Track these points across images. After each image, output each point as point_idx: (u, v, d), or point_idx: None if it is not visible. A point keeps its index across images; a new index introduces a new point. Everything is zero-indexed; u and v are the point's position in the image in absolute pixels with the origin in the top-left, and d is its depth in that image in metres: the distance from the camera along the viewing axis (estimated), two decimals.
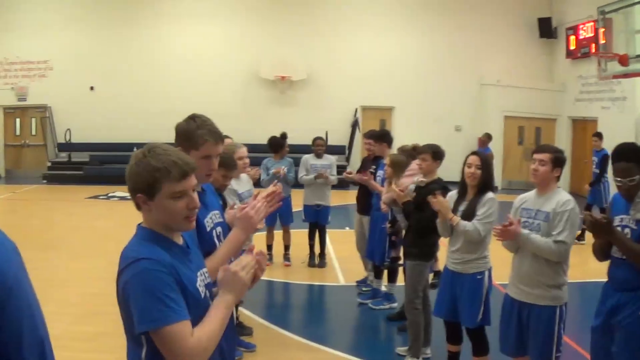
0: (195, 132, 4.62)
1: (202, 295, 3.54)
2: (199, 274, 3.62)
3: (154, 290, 3.23)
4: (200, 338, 3.31)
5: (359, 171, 12.50)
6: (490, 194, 7.47)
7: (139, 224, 3.61)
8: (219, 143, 4.78)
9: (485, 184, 7.48)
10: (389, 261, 10.72)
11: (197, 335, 3.31)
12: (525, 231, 6.36)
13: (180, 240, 3.64)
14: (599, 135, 17.41)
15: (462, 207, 7.50)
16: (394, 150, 11.21)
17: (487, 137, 22.14)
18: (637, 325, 5.59)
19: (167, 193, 3.43)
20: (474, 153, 7.65)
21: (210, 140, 4.67)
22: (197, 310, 3.44)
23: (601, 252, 6.21)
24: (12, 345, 2.32)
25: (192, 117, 4.74)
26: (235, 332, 3.80)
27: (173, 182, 3.42)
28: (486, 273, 7.48)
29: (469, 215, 7.39)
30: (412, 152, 10.12)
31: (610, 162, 6.60)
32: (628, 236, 5.82)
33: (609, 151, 7.17)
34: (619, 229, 5.88)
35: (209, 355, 3.39)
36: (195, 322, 3.38)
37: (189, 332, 3.28)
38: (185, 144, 4.55)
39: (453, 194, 7.76)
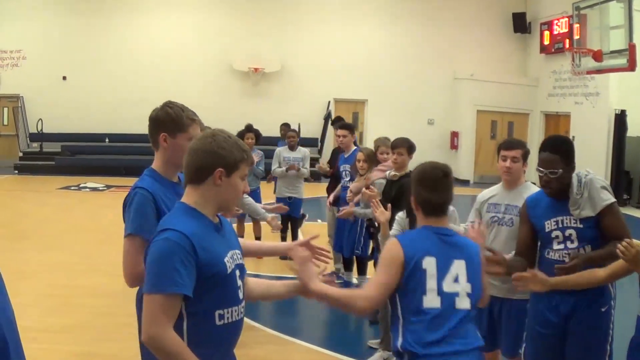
0: (181, 114, 4.69)
1: (229, 270, 3.73)
2: (231, 252, 3.83)
3: (165, 258, 3.50)
4: (173, 338, 3.49)
5: (329, 162, 12.49)
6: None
7: (178, 202, 3.87)
8: (200, 124, 4.89)
9: None
10: (367, 253, 10.73)
11: (173, 335, 3.50)
12: (508, 256, 6.24)
13: (215, 220, 3.89)
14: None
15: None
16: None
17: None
18: (599, 320, 5.49)
19: (241, 173, 3.83)
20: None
21: (196, 120, 4.78)
22: (221, 282, 3.70)
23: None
24: None
25: (169, 104, 4.77)
26: None
27: (247, 165, 3.88)
28: None
29: None
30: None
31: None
32: (573, 237, 5.57)
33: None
34: (558, 232, 5.63)
35: (158, 354, 3.54)
36: (216, 294, 3.68)
37: (174, 312, 3.51)
38: (172, 129, 4.62)
39: (402, 214, 7.64)
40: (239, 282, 3.85)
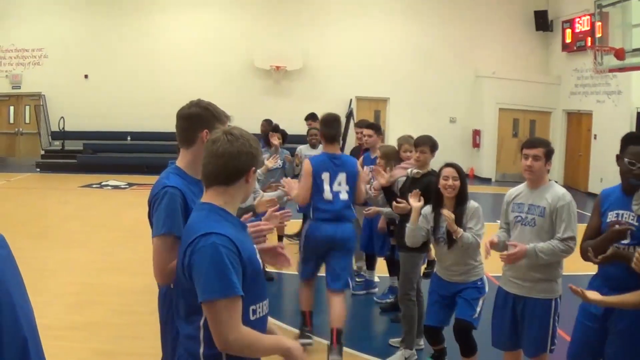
0: (220, 111, 4.82)
1: (262, 265, 3.95)
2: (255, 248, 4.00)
3: (220, 263, 3.56)
4: (250, 333, 3.66)
5: None
6: (474, 203, 7.39)
7: (202, 202, 3.91)
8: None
9: (465, 193, 7.43)
10: (383, 252, 10.74)
11: (248, 330, 3.65)
12: (531, 246, 6.24)
13: None
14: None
15: (445, 222, 7.32)
16: (392, 142, 11.20)
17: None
18: (636, 328, 5.47)
19: (255, 170, 3.95)
20: (449, 165, 7.57)
21: (229, 118, 4.94)
22: (257, 279, 3.86)
23: (597, 253, 6.01)
24: None
25: (202, 101, 4.85)
26: None
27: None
28: (484, 278, 7.49)
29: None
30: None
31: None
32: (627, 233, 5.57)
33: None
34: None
35: (246, 353, 3.71)
36: (252, 290, 3.77)
37: (240, 313, 3.62)
38: (213, 126, 4.65)
39: (427, 209, 7.67)
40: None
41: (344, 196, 8.57)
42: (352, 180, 8.67)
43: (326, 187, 8.50)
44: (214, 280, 3.53)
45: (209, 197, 3.88)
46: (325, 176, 8.53)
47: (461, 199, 7.36)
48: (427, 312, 7.88)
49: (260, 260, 3.92)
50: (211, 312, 3.55)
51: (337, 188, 8.56)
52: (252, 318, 3.78)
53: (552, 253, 6.16)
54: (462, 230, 7.16)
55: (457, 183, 7.32)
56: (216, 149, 3.80)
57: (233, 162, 3.79)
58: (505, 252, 6.31)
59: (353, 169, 8.75)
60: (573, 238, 6.16)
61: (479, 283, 7.41)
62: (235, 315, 3.57)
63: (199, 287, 3.58)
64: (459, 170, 7.46)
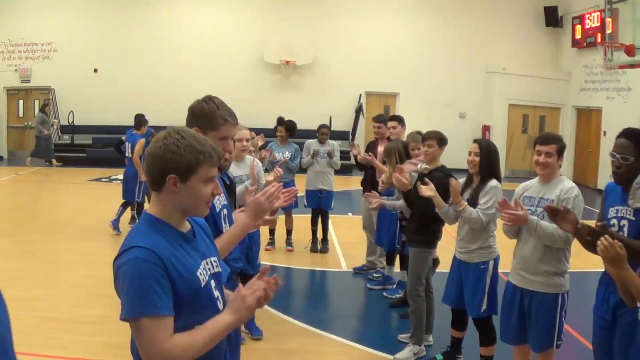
0: (215, 112, 4.69)
1: (203, 283, 3.52)
2: (204, 262, 3.61)
3: (140, 280, 3.28)
4: (178, 344, 3.33)
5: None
6: (493, 182, 7.44)
7: (145, 210, 3.64)
8: (235, 125, 4.88)
9: (488, 171, 7.47)
10: (400, 246, 10.74)
11: (176, 340, 3.32)
12: (534, 217, 6.29)
13: (185, 229, 3.65)
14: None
15: (466, 195, 7.54)
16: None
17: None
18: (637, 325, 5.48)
19: (202, 176, 3.50)
20: (475, 141, 7.65)
21: (230, 121, 4.76)
22: (195, 298, 3.48)
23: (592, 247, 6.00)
24: None
25: (209, 98, 4.78)
26: None
27: (211, 167, 3.52)
28: (490, 263, 7.50)
29: (472, 203, 7.41)
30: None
31: None
32: (625, 228, 5.62)
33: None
34: (615, 221, 5.71)
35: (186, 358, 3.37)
36: (192, 309, 3.45)
37: (167, 330, 3.31)
38: (204, 125, 4.60)
39: (462, 182, 7.78)
40: (216, 293, 3.67)
41: None
42: None
43: None
44: (134, 298, 3.28)
45: (150, 204, 3.65)
46: None
47: (484, 176, 7.47)
48: (445, 289, 8.07)
49: (201, 277, 3.53)
50: (134, 330, 3.33)
51: None
52: None
53: (550, 234, 6.19)
54: (465, 203, 7.42)
55: (477, 159, 7.38)
56: (148, 149, 3.57)
57: (150, 165, 3.51)
58: (509, 210, 6.32)
59: None
60: None
61: (481, 266, 7.52)
62: (159, 334, 3.27)
63: (122, 303, 3.33)
64: (483, 146, 7.56)
